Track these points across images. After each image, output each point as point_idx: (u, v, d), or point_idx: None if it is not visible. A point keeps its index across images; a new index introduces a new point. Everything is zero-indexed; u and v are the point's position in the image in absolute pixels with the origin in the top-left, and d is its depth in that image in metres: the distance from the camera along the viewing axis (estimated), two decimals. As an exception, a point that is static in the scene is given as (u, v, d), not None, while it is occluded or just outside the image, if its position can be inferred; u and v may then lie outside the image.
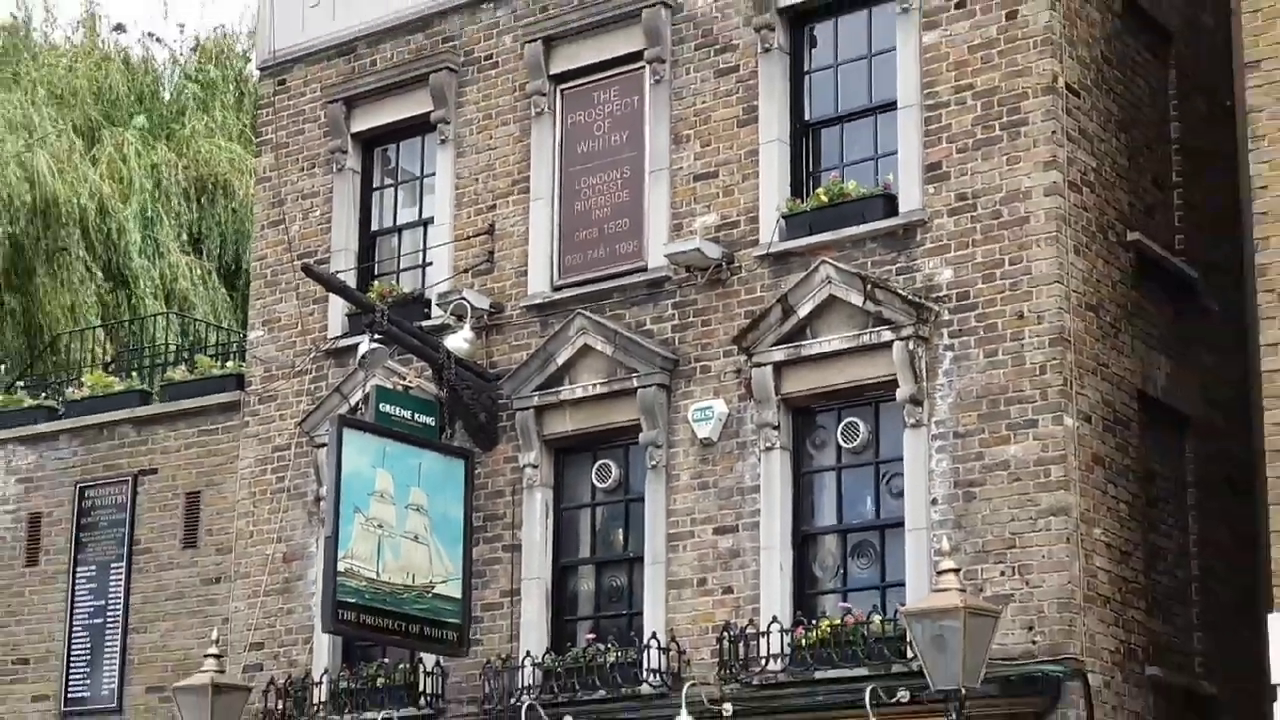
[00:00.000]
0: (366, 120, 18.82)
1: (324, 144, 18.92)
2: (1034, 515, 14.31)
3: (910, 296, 15.04)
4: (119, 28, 31.72)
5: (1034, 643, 14.06)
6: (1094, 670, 14.08)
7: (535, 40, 17.57)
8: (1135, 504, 15.20)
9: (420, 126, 18.49)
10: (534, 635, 16.62)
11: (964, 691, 13.28)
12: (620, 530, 16.82)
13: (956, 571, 13.65)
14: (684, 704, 14.81)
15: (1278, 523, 12.96)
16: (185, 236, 27.98)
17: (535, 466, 16.95)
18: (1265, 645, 12.97)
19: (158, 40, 32.34)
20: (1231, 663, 15.48)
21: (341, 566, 15.78)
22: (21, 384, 22.36)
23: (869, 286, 15.19)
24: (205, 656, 17.28)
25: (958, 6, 15.31)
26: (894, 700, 14.06)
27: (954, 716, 13.52)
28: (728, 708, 14.80)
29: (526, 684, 16.19)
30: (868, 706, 13.96)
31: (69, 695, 19.83)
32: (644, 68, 17.04)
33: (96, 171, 26.89)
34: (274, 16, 19.67)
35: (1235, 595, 15.90)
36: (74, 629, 19.94)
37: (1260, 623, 13.25)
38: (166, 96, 31.67)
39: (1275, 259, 13.26)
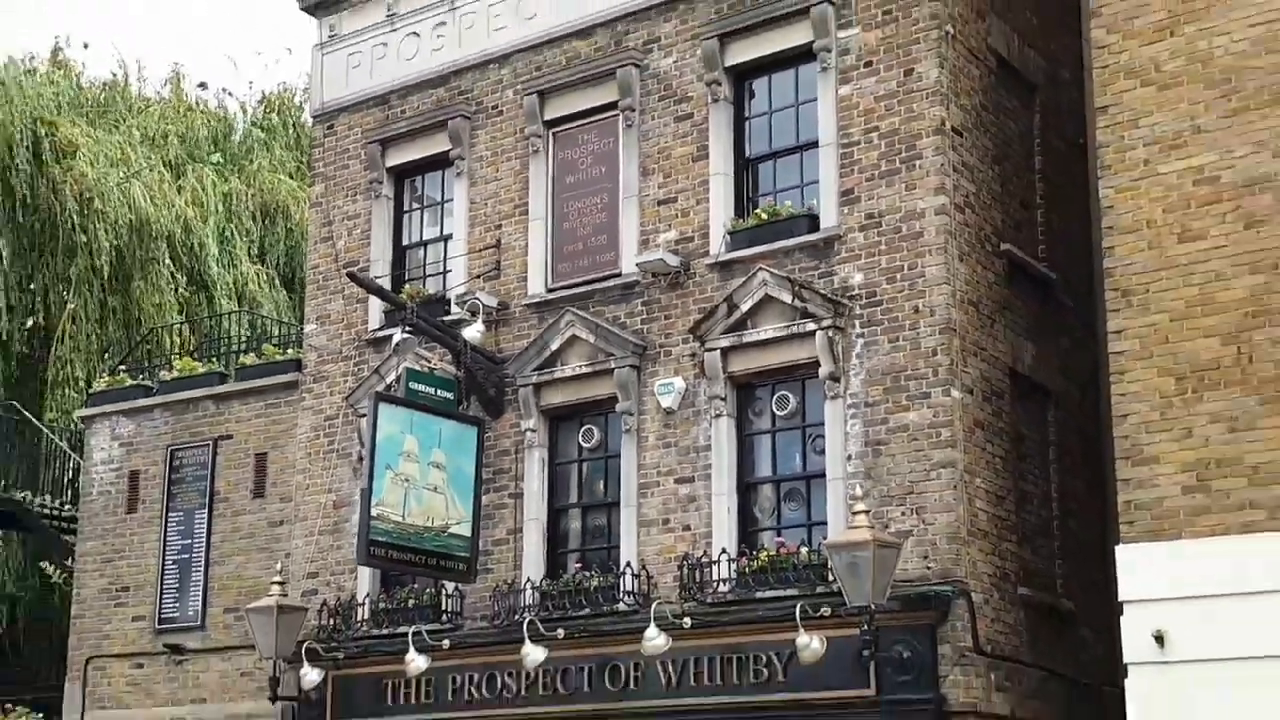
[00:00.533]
0: (398, 157, 18.81)
1: (364, 176, 18.96)
2: (928, 468, 14.39)
3: (829, 296, 15.12)
4: (201, 85, 31.77)
5: (928, 569, 14.15)
6: (976, 590, 14.17)
7: (532, 94, 17.59)
8: (1008, 459, 15.24)
9: (440, 162, 18.50)
10: (533, 565, 16.67)
11: (873, 607, 13.49)
12: (601, 481, 16.83)
13: (867, 513, 13.85)
14: (652, 618, 14.78)
15: (1121, 473, 13.08)
16: (253, 250, 27.96)
17: (534, 431, 16.98)
18: (1112, 570, 13.14)
19: (230, 94, 32.33)
20: (1085, 584, 15.60)
21: (374, 512, 15.85)
22: (123, 368, 22.40)
23: (796, 288, 15.26)
24: (271, 584, 17.37)
25: (865, 65, 15.36)
26: (818, 614, 14.08)
27: (866, 627, 13.74)
28: (687, 621, 14.78)
29: (527, 604, 16.25)
30: (797, 620, 14.00)
31: (161, 616, 19.84)
32: (618, 115, 17.03)
33: (181, 198, 26.85)
34: (324, 75, 19.63)
35: (1088, 530, 16.00)
36: (166, 563, 19.95)
37: (1108, 552, 13.40)
38: (237, 139, 31.58)
39: (1119, 264, 13.31)
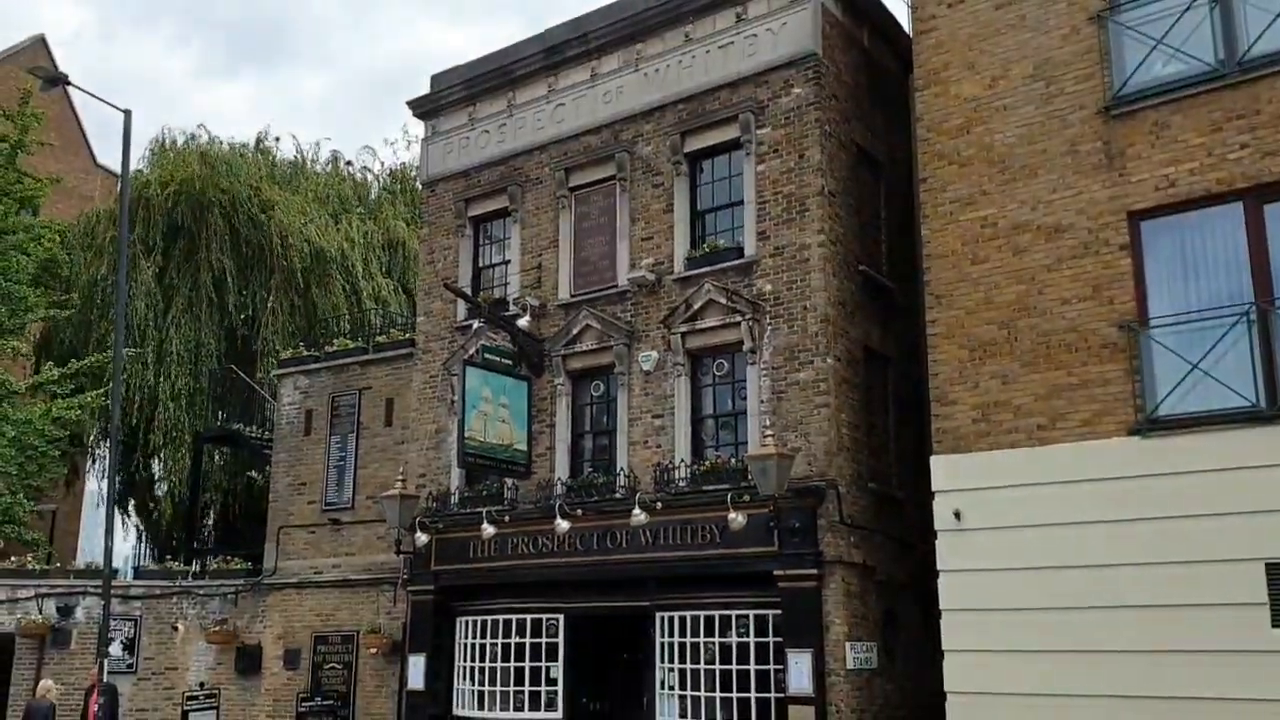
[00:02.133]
0: (476, 210, 18.73)
1: (454, 222, 18.91)
2: (812, 408, 14.44)
3: (750, 299, 15.16)
4: (349, 163, 31.81)
5: (811, 471, 14.21)
6: (841, 485, 14.24)
7: (560, 170, 17.61)
8: (863, 402, 15.25)
9: (503, 213, 18.39)
10: (562, 468, 16.67)
11: (777, 496, 13.63)
12: (605, 416, 16.76)
13: (773, 436, 13.96)
14: (636, 503, 14.95)
15: (934, 410, 13.15)
16: (383, 270, 27.99)
17: (562, 385, 16.98)
18: (928, 471, 13.13)
19: (369, 170, 32.35)
20: (911, 480, 15.39)
21: (467, 434, 15.91)
22: (301, 344, 22.47)
23: (729, 294, 15.35)
24: (396, 481, 17.51)
25: (773, 152, 15.37)
26: (742, 500, 14.23)
27: (772, 508, 13.86)
28: (658, 505, 14.96)
29: (558, 493, 16.34)
30: (729, 503, 14.16)
31: (326, 501, 19.90)
32: (615, 183, 17.01)
33: (340, 236, 26.95)
34: (429, 157, 19.53)
35: (912, 446, 15.84)
36: (329, 468, 20.03)
37: (925, 460, 13.42)
38: (373, 197, 31.60)
39: (934, 278, 13.37)
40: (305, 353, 21.35)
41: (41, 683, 17.90)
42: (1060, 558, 11.80)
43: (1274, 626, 10.65)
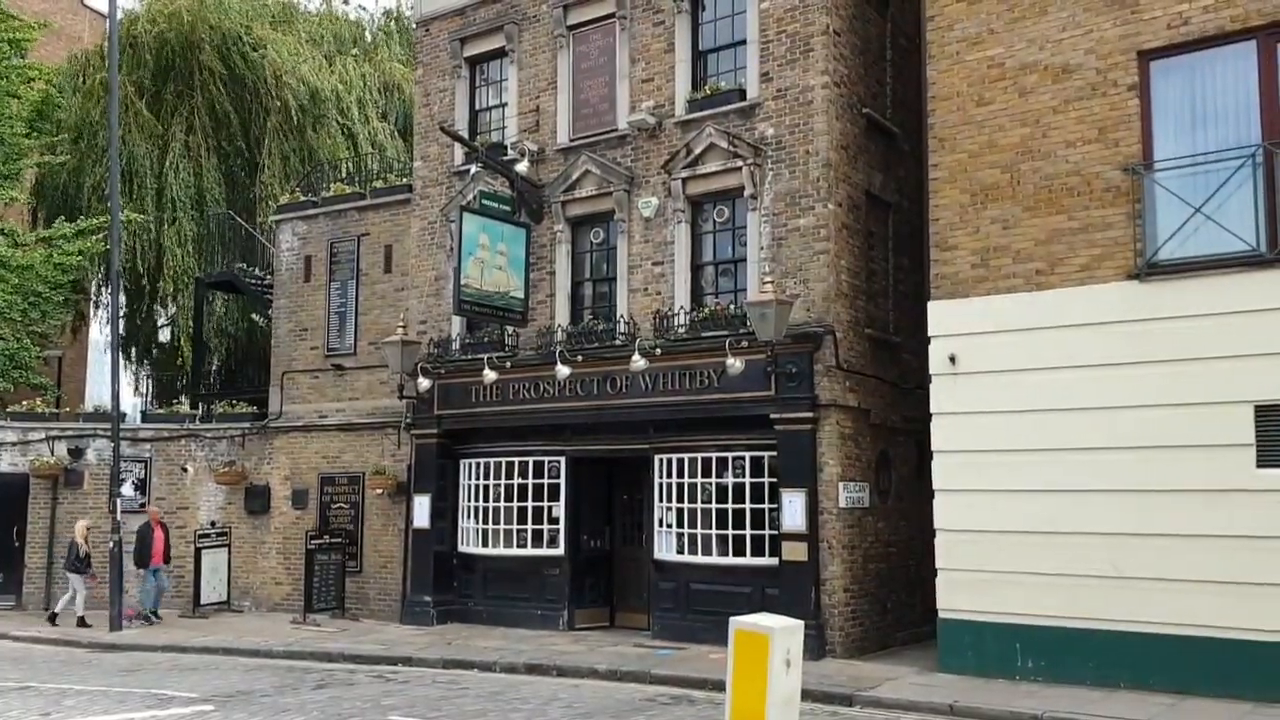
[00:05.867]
0: (471, 50, 18.26)
1: (450, 63, 18.45)
2: (812, 254, 14.41)
3: (751, 143, 14.94)
4: (345, 1, 30.86)
5: (810, 316, 14.27)
6: (838, 330, 14.32)
7: (559, 7, 17.12)
8: (862, 248, 15.19)
9: (500, 53, 17.93)
10: (562, 315, 16.74)
11: (774, 341, 13.74)
12: (605, 264, 16.70)
13: (772, 283, 13.98)
14: (636, 349, 15.10)
15: (934, 255, 13.14)
16: (379, 113, 27.43)
17: (562, 231, 16.90)
18: (925, 316, 13.19)
19: (364, 9, 31.57)
20: (907, 326, 15.47)
21: (463, 282, 15.88)
22: (298, 189, 22.24)
23: (730, 138, 15.11)
24: (397, 327, 17.67)
25: (778, -11, 15.01)
26: (740, 345, 14.35)
27: (770, 353, 13.99)
28: (658, 351, 15.08)
29: (559, 339, 16.43)
30: (727, 349, 14.29)
31: (329, 346, 19.96)
32: (615, 21, 16.52)
33: (334, 78, 26.33)
34: (423, -4, 19.21)
35: (911, 292, 15.82)
36: (330, 313, 20.02)
37: (923, 306, 13.45)
38: (368, 38, 30.79)
39: (938, 121, 13.18)
40: (302, 198, 21.12)
41: (79, 523, 18.70)
42: (1054, 401, 11.98)
43: (1259, 467, 10.91)
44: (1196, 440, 11.18)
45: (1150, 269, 11.57)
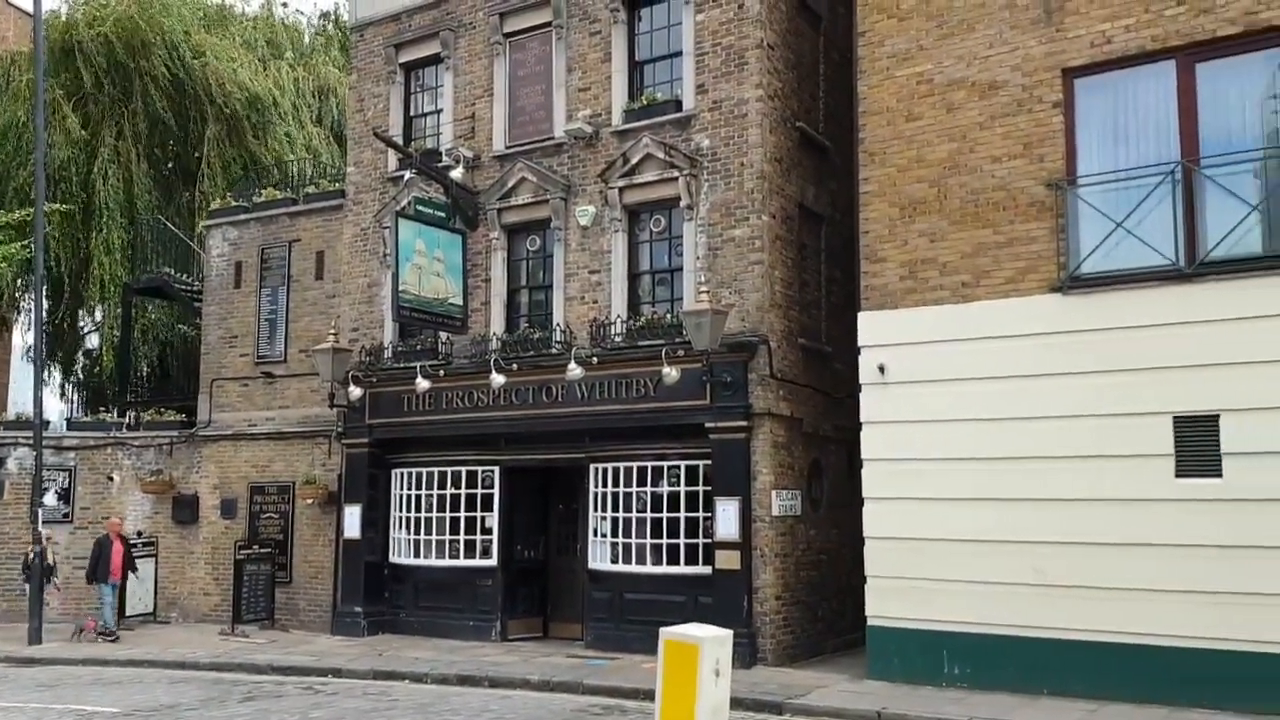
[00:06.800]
0: (407, 56, 18.20)
1: (385, 69, 18.36)
2: (747, 264, 14.52)
3: (687, 154, 15.04)
4: (284, 4, 30.50)
5: (744, 326, 14.37)
6: (772, 340, 14.45)
7: (495, 15, 17.12)
8: (795, 259, 15.34)
9: (435, 60, 17.90)
10: (498, 323, 16.71)
11: (710, 350, 13.83)
12: (541, 271, 16.72)
13: (708, 292, 14.05)
14: (573, 357, 15.08)
15: (864, 267, 13.28)
16: (314, 118, 27.14)
17: (498, 238, 16.87)
18: (855, 327, 13.38)
19: (300, 13, 31.09)
20: (839, 336, 15.59)
21: (401, 288, 15.78)
22: (230, 194, 21.94)
23: (667, 148, 15.20)
24: (329, 334, 17.54)
25: (711, 1, 15.07)
26: (676, 354, 14.44)
27: (705, 362, 14.08)
28: (594, 359, 15.08)
29: (494, 348, 16.38)
30: (663, 358, 14.38)
31: (259, 353, 19.74)
32: (552, 30, 16.56)
33: (269, 81, 25.99)
34: (357, 1, 19.04)
35: (842, 303, 15.99)
36: (261, 320, 19.79)
37: (854, 316, 13.56)
38: (306, 41, 30.46)
39: (868, 136, 13.34)
40: (234, 204, 20.83)
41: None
42: (980, 411, 12.18)
43: (1178, 476, 11.17)
44: (1118, 450, 11.43)
45: (1073, 282, 11.82)
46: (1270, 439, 10.64)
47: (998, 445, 12.05)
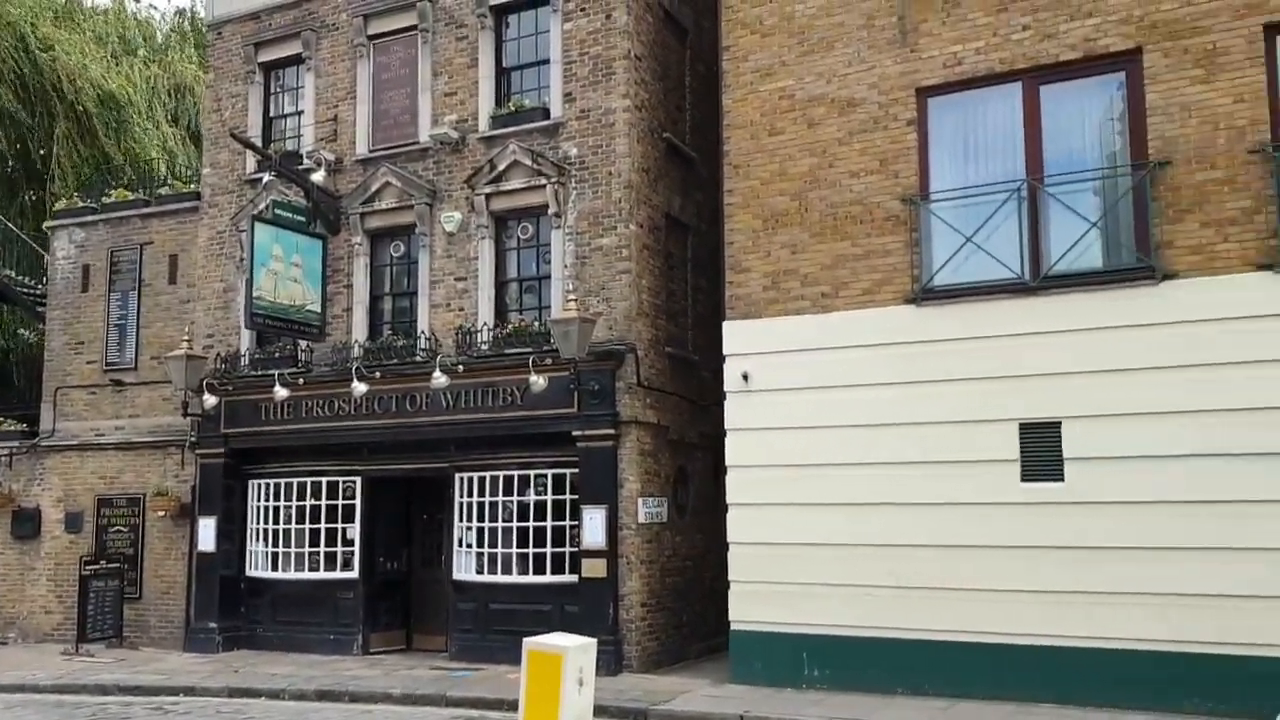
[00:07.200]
0: (266, 56, 17.75)
1: (244, 68, 17.87)
2: (614, 273, 14.57)
3: (555, 162, 15.03)
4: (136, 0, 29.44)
5: (612, 334, 14.42)
6: (639, 348, 14.52)
7: (359, 17, 16.83)
8: (662, 268, 15.46)
9: (296, 60, 17.50)
10: (360, 330, 16.41)
11: (577, 359, 13.82)
12: (406, 278, 16.45)
13: (576, 301, 14.09)
14: (437, 365, 14.95)
15: (729, 277, 13.48)
16: (170, 117, 26.26)
17: (360, 244, 16.57)
18: (720, 336, 13.59)
19: (154, 8, 30.05)
20: (705, 345, 15.68)
21: (255, 294, 15.38)
22: (77, 194, 21.01)
23: (535, 156, 15.17)
24: (182, 341, 16.92)
25: (580, 11, 15.11)
26: (544, 363, 14.40)
27: (572, 370, 14.08)
28: (460, 368, 15.00)
29: (356, 355, 16.11)
30: (530, 366, 14.34)
31: (108, 360, 18.90)
32: (418, 34, 16.36)
33: (122, 78, 25.00)
34: (215, -2, 18.51)
35: (708, 312, 16.16)
36: (109, 327, 18.96)
37: (719, 325, 13.79)
38: (159, 38, 29.40)
39: (733, 148, 13.54)
40: (81, 204, 19.95)
41: None
42: (838, 418, 12.50)
43: (1023, 480, 11.66)
44: (968, 456, 11.88)
45: (925, 294, 12.24)
46: (1108, 445, 11.21)
47: (855, 452, 12.39)
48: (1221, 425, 10.71)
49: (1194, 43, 11.25)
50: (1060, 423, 11.47)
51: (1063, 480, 11.43)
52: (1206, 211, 11.04)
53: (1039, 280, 11.77)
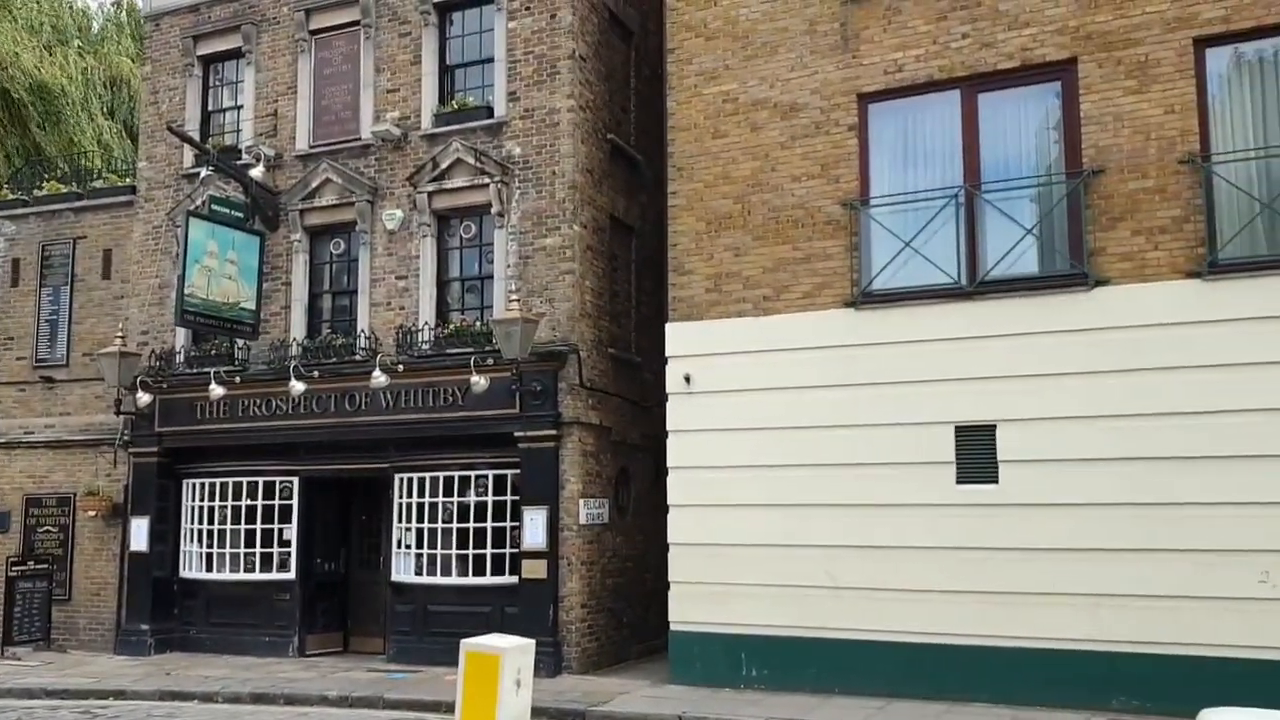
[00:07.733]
0: (205, 49, 17.48)
1: (182, 61, 17.59)
2: (558, 274, 14.57)
3: (499, 161, 14.99)
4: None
5: (555, 335, 14.43)
6: (582, 349, 14.54)
7: (300, 11, 16.63)
8: (606, 269, 15.51)
9: (236, 54, 17.25)
10: (298, 328, 16.22)
11: (519, 359, 13.79)
12: (345, 277, 16.32)
13: (518, 301, 14.05)
14: (377, 365, 14.82)
15: (671, 279, 13.55)
16: (105, 109, 25.77)
17: (299, 241, 16.39)
18: (663, 337, 13.63)
19: (91, -4, 29.47)
20: (647, 346, 15.75)
21: (187, 291, 15.14)
22: (8, 186, 20.52)
23: (478, 155, 15.12)
24: (115, 337, 16.59)
25: (525, 9, 15.05)
26: (485, 363, 14.35)
27: (514, 371, 14.04)
28: (400, 367, 14.87)
29: (293, 354, 15.93)
30: (472, 366, 14.26)
31: (38, 357, 18.48)
32: (360, 29, 16.22)
33: (55, 68, 24.49)
34: (152, -13, 18.19)
35: (651, 313, 16.20)
36: (40, 321, 18.54)
37: (662, 327, 13.83)
38: (95, 29, 28.83)
39: (677, 150, 13.60)
40: (11, 197, 19.49)
41: None
42: (779, 420, 12.61)
43: (959, 483, 11.84)
44: (905, 458, 12.04)
45: (865, 298, 12.39)
46: (1040, 448, 11.43)
47: (795, 453, 12.50)
48: (1151, 429, 10.97)
49: (1127, 54, 11.51)
50: (995, 425, 11.67)
51: (997, 482, 11.62)
52: (1138, 220, 11.29)
53: (975, 285, 11.96)
